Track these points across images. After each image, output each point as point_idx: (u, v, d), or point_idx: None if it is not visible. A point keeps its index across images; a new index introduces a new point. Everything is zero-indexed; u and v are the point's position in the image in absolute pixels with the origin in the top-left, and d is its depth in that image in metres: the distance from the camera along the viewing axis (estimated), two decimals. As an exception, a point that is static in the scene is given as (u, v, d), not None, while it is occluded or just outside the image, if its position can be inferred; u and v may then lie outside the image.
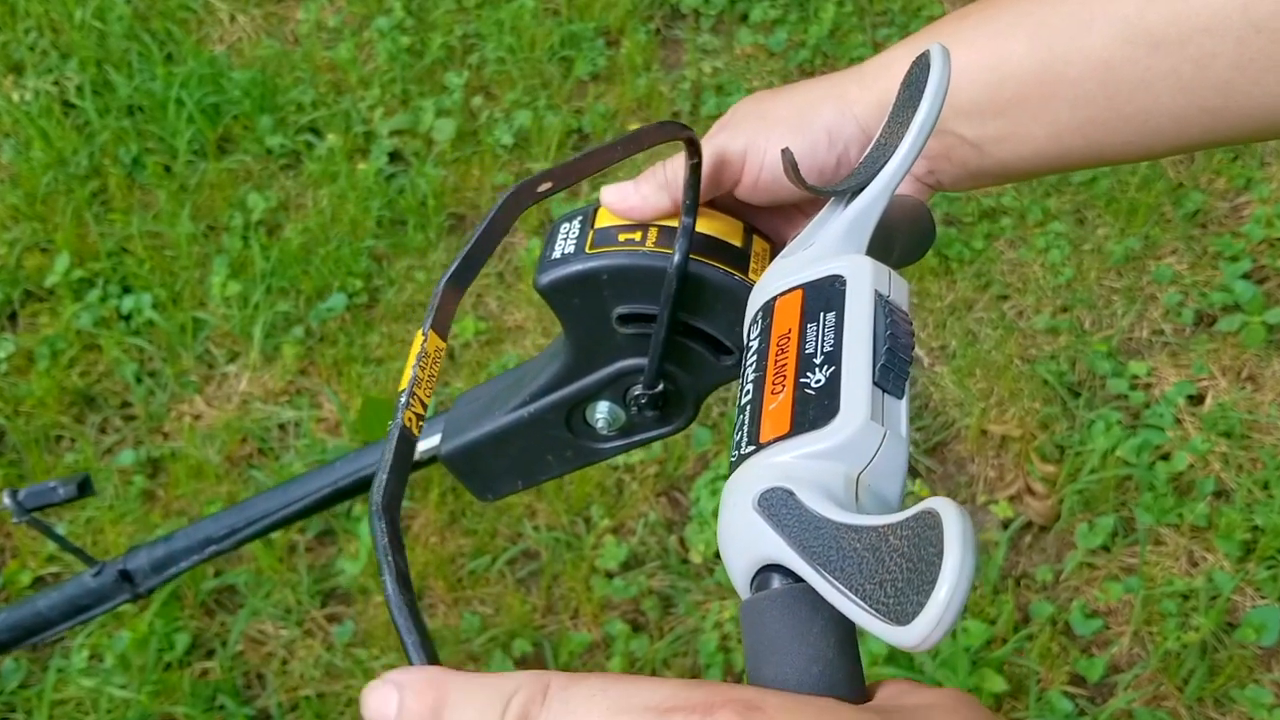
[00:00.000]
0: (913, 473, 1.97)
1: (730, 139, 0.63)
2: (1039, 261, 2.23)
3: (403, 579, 0.41)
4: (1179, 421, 1.98)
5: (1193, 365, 2.05)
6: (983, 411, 2.02)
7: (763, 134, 0.62)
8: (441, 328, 0.51)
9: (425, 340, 0.50)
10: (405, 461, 0.47)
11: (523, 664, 1.78)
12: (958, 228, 2.29)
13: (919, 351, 2.12)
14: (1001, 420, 2.01)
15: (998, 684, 1.70)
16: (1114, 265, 2.21)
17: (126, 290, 2.27)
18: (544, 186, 0.55)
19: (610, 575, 1.86)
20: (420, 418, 0.48)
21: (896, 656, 1.72)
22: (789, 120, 0.63)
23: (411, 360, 0.49)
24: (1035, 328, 2.13)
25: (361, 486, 0.77)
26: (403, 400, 0.48)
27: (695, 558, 1.87)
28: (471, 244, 0.52)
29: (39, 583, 1.92)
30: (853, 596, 0.37)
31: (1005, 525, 1.89)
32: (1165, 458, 1.93)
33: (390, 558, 0.42)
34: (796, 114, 0.63)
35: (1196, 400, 2.02)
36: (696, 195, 0.60)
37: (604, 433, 0.66)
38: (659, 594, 1.84)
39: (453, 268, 0.51)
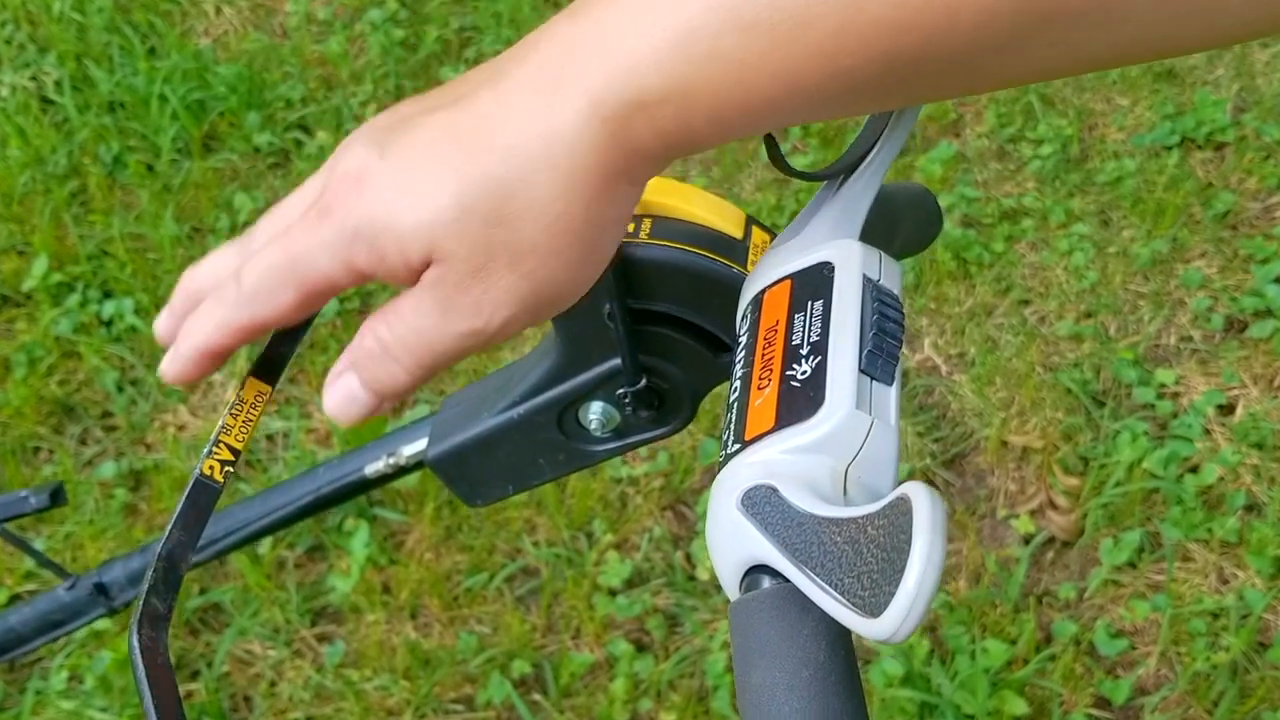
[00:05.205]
0: (929, 484, 1.97)
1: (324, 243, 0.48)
2: (1062, 265, 2.23)
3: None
4: (1208, 432, 1.97)
5: (1223, 373, 2.05)
6: (1003, 422, 2.01)
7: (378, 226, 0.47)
8: (267, 374, 0.51)
9: (243, 388, 0.50)
10: (203, 513, 0.47)
11: (522, 685, 1.78)
12: (977, 229, 2.30)
13: (937, 359, 2.12)
14: (1022, 431, 2.01)
15: (1019, 706, 1.69)
16: (1140, 269, 2.21)
17: (107, 295, 2.28)
18: None
19: (613, 593, 1.86)
20: (226, 464, 0.48)
21: (912, 678, 1.72)
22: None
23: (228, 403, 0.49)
24: (1058, 334, 2.13)
25: (347, 493, 0.77)
26: (206, 449, 0.48)
27: (702, 574, 1.87)
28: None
29: (16, 600, 1.92)
30: (831, 591, 0.38)
31: (1026, 540, 1.89)
32: (1194, 470, 1.93)
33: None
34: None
35: (1227, 410, 2.01)
36: None
37: (597, 434, 0.66)
38: (664, 612, 1.84)
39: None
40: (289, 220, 0.50)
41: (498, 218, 0.44)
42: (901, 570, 0.35)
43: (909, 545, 0.35)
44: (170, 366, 0.52)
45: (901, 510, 0.37)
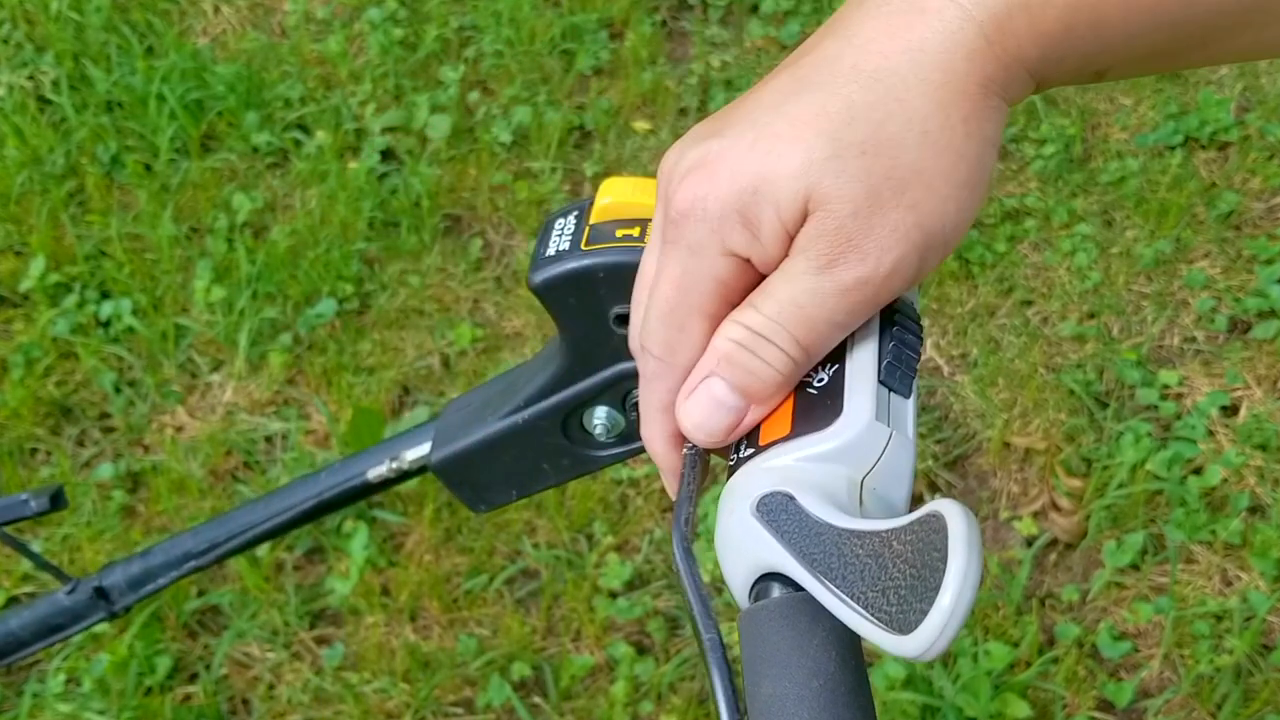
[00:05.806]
0: (931, 487, 1.97)
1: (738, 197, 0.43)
2: (1065, 265, 2.23)
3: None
4: (1212, 433, 1.97)
5: (1226, 374, 2.05)
6: (1005, 423, 2.01)
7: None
8: None
9: None
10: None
11: (522, 688, 1.78)
12: (979, 230, 2.29)
13: (939, 360, 2.12)
14: (1025, 432, 2.01)
15: (1021, 709, 1.69)
16: (1143, 269, 2.21)
17: (105, 295, 2.28)
18: None
19: (614, 595, 1.86)
20: None
21: (915, 680, 1.71)
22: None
23: None
24: (1061, 335, 2.13)
25: (349, 497, 0.77)
26: None
27: (704, 577, 1.87)
28: None
29: (14, 603, 1.92)
30: (854, 605, 0.37)
31: (1029, 543, 1.89)
32: (1197, 472, 1.93)
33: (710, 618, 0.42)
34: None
35: (1230, 411, 2.01)
36: None
37: (602, 440, 0.66)
38: (665, 615, 1.84)
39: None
40: (651, 271, 0.47)
41: (874, 145, 0.41)
42: (936, 588, 0.35)
43: (944, 563, 0.35)
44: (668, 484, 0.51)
45: (934, 527, 0.36)
